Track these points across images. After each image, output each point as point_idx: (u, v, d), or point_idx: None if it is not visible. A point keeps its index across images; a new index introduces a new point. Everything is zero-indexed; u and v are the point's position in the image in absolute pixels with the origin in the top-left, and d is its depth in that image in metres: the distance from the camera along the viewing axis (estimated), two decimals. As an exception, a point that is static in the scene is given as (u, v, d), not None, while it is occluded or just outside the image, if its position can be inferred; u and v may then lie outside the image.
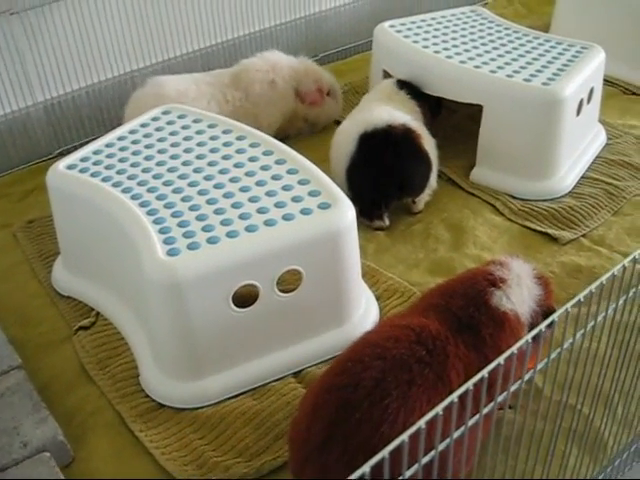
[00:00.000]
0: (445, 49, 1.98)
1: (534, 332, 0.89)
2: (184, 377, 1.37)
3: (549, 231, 1.76)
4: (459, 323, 1.17)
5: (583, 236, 1.76)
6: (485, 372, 0.83)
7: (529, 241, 1.75)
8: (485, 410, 0.88)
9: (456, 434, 0.84)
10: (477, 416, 0.89)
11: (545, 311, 1.27)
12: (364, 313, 1.50)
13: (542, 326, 0.90)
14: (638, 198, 1.89)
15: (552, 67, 1.89)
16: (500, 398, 0.91)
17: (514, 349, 0.86)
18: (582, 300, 0.94)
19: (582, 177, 1.95)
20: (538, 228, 1.77)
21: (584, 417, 1.26)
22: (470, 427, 0.86)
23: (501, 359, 0.85)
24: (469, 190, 1.91)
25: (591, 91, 1.94)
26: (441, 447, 0.82)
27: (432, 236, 1.76)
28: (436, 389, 1.09)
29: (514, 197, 1.87)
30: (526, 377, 0.93)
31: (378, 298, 1.57)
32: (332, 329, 1.45)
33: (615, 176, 1.96)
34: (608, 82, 2.37)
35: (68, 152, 1.86)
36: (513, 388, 0.93)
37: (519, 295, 1.23)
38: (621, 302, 1.05)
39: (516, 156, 1.87)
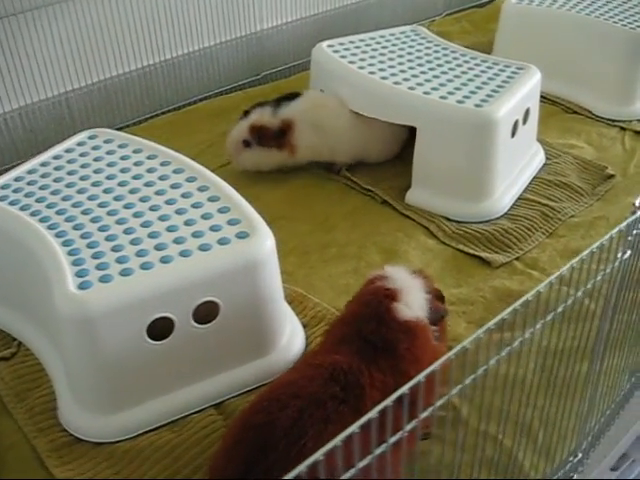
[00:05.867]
0: (381, 70, 1.97)
1: (456, 349, 0.87)
2: (101, 410, 1.34)
3: (482, 254, 1.75)
4: (372, 349, 1.17)
5: (516, 259, 1.75)
6: (387, 402, 0.81)
7: (462, 265, 1.74)
8: (392, 439, 0.86)
9: (361, 463, 0.82)
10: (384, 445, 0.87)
11: (435, 294, 1.34)
12: (288, 342, 1.48)
13: (466, 342, 0.88)
14: (574, 219, 1.89)
15: (487, 88, 1.88)
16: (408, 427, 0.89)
17: (434, 367, 0.86)
18: (505, 318, 0.93)
19: (519, 198, 1.94)
20: (471, 251, 1.76)
21: (506, 448, 1.25)
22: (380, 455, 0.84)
23: (407, 385, 0.84)
24: (404, 212, 1.89)
25: (527, 112, 1.94)
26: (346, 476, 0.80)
27: (364, 260, 1.74)
28: (353, 423, 1.08)
29: (449, 219, 1.86)
30: (440, 402, 0.91)
31: (305, 326, 1.56)
32: (254, 359, 1.42)
33: (551, 197, 1.95)
34: (549, 100, 2.38)
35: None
36: (424, 415, 0.91)
37: (415, 299, 1.26)
38: (539, 326, 1.04)
39: (451, 178, 1.86)
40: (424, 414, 0.91)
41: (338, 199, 1.97)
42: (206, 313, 1.36)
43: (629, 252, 1.07)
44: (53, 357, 1.45)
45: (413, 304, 1.25)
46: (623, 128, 2.29)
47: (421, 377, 0.85)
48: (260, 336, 1.42)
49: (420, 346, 1.19)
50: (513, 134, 1.88)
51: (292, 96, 2.00)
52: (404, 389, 0.84)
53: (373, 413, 0.80)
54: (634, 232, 1.06)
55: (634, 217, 1.03)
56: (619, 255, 1.07)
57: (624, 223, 1.03)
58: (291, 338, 1.49)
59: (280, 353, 1.45)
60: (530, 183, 2.01)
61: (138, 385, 1.33)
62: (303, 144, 1.97)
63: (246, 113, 1.98)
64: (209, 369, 1.39)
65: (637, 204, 1.03)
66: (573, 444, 1.30)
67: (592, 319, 1.19)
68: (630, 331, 1.34)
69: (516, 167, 1.97)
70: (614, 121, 2.31)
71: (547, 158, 2.11)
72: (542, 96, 2.22)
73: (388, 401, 0.81)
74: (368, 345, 1.17)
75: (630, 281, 1.19)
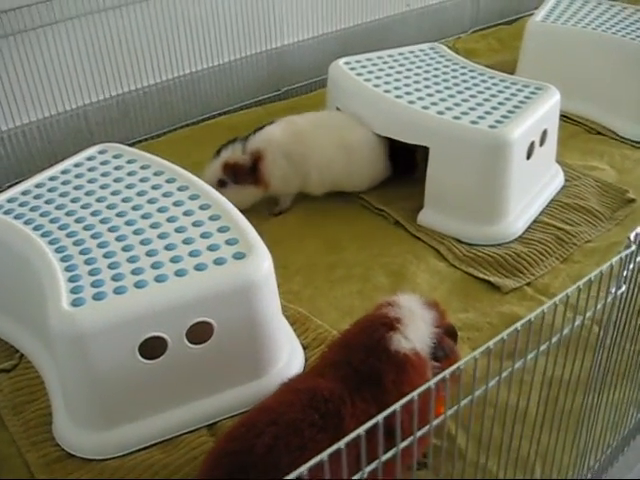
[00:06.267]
0: (396, 88, 1.95)
1: (438, 377, 0.84)
2: (93, 427, 1.34)
3: (491, 279, 1.71)
4: (359, 378, 1.14)
5: (527, 284, 1.71)
6: (362, 429, 0.78)
7: (470, 289, 1.70)
8: (368, 468, 0.83)
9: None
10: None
11: (446, 329, 1.28)
12: (286, 364, 1.46)
13: (447, 372, 0.85)
14: (590, 245, 1.85)
15: (502, 109, 1.85)
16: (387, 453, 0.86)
17: (414, 394, 0.83)
18: (505, 338, 0.90)
19: (534, 221, 1.90)
20: (481, 275, 1.73)
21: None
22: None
23: (397, 406, 0.81)
24: (414, 234, 1.87)
25: (544, 133, 1.90)
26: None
27: (370, 282, 1.72)
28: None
29: (460, 241, 1.83)
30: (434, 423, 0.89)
31: (306, 347, 1.54)
32: (249, 381, 1.41)
33: (568, 221, 1.91)
34: (572, 120, 2.34)
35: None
36: (419, 433, 0.88)
37: (416, 330, 1.21)
38: (543, 347, 1.01)
39: (463, 199, 1.83)
40: (403, 444, 0.89)
41: (351, 219, 1.95)
42: (201, 333, 1.35)
43: (624, 287, 1.03)
44: (51, 371, 1.46)
45: (412, 336, 1.20)
46: (648, 150, 2.24)
47: (397, 406, 0.83)
48: (256, 358, 1.40)
49: (408, 381, 1.14)
50: (529, 156, 1.85)
51: (263, 127, 1.94)
52: (379, 417, 0.81)
53: (342, 442, 0.78)
54: (630, 266, 1.02)
55: (628, 251, 0.99)
56: (612, 290, 1.02)
57: (616, 257, 0.99)
58: (289, 360, 1.47)
59: (277, 375, 1.43)
60: (547, 206, 1.96)
61: (130, 403, 1.33)
62: (274, 175, 1.90)
63: (218, 152, 1.92)
64: (203, 389, 1.38)
65: (632, 238, 0.99)
66: (571, 481, 1.27)
67: (593, 348, 1.15)
68: (634, 363, 1.29)
69: (532, 189, 1.93)
70: (639, 142, 2.26)
71: (566, 180, 2.07)
72: (565, 116, 2.19)
73: (360, 430, 0.79)
74: (355, 373, 1.14)
75: (631, 312, 1.15)
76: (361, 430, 0.77)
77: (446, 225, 1.86)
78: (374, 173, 2.01)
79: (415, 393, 0.83)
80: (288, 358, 1.47)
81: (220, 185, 1.85)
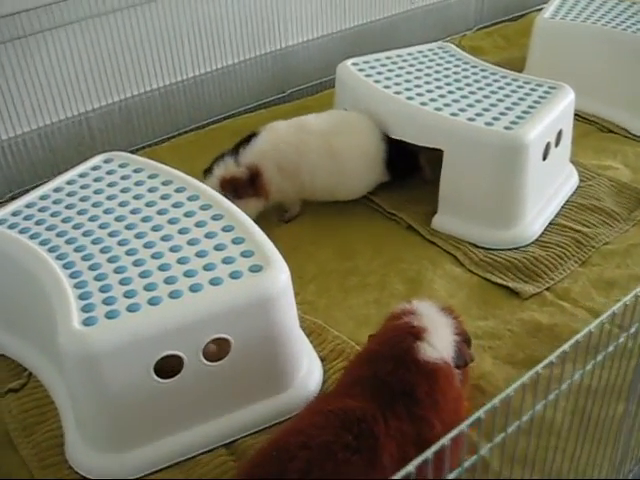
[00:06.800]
0: (407, 89, 1.90)
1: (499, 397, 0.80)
2: (107, 449, 1.29)
3: (510, 285, 1.67)
4: (391, 392, 1.10)
5: (547, 289, 1.67)
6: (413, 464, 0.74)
7: (489, 295, 1.66)
8: None
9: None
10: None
11: (463, 337, 1.26)
12: (305, 378, 1.41)
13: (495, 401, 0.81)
14: (608, 247, 1.80)
15: (517, 109, 1.80)
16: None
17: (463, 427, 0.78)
18: (554, 362, 0.86)
19: (550, 224, 1.86)
20: (499, 281, 1.68)
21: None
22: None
23: (445, 440, 0.77)
24: (429, 238, 1.82)
25: (559, 133, 1.86)
26: None
27: (386, 290, 1.67)
28: (367, 475, 1.02)
29: (477, 246, 1.79)
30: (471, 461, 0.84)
31: (323, 359, 1.49)
32: (268, 397, 1.37)
33: (585, 222, 1.87)
34: (583, 119, 2.29)
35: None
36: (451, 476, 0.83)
37: (441, 339, 1.19)
38: (589, 367, 0.97)
39: (479, 203, 1.79)
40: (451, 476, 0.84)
41: (362, 224, 1.90)
42: (218, 349, 1.31)
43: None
44: (62, 390, 1.41)
45: (439, 344, 1.17)
46: (662, 147, 2.19)
47: (446, 440, 0.78)
48: (274, 373, 1.36)
49: (441, 391, 1.12)
50: (544, 157, 1.80)
51: (249, 138, 1.86)
52: (428, 453, 0.76)
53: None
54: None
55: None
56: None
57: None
58: (308, 374, 1.43)
59: (296, 390, 1.39)
60: (562, 207, 1.92)
61: (146, 424, 1.28)
62: (272, 186, 1.84)
63: (208, 170, 1.84)
64: (220, 408, 1.33)
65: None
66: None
67: (630, 356, 1.10)
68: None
69: (548, 191, 1.88)
70: (652, 140, 2.22)
71: (581, 180, 2.02)
72: (576, 114, 2.14)
73: (410, 467, 0.75)
74: (384, 388, 1.10)
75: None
76: (411, 467, 0.72)
77: (462, 229, 1.81)
78: (366, 181, 1.93)
79: (463, 426, 0.79)
80: (306, 371, 1.43)
81: None
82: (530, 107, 1.82)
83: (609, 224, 1.87)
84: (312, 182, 1.86)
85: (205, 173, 1.85)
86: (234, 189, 1.79)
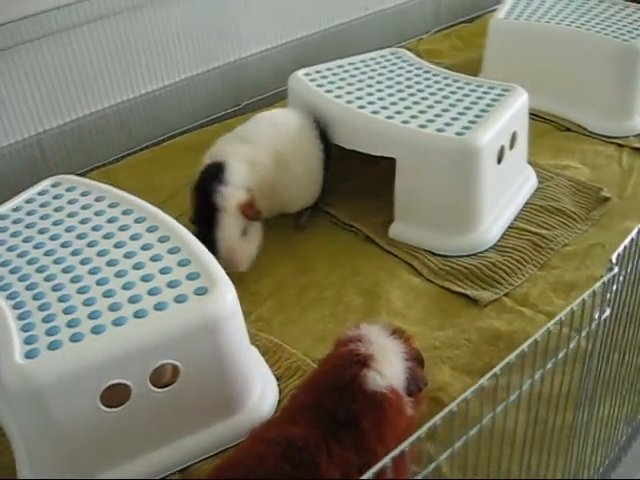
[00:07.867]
0: (358, 98, 1.88)
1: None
2: (58, 482, 1.26)
3: (468, 292, 1.65)
4: (335, 422, 1.07)
5: (505, 295, 1.66)
6: None
7: (447, 304, 1.64)
8: None
9: None
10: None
11: (416, 358, 1.24)
12: (259, 399, 1.39)
13: (437, 418, 0.80)
14: (567, 248, 1.79)
15: (469, 114, 1.79)
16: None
17: (404, 447, 0.78)
18: (498, 373, 0.85)
19: (509, 227, 1.84)
20: (457, 289, 1.67)
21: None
22: None
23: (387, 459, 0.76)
24: (387, 249, 1.80)
25: (514, 136, 1.85)
26: None
27: (343, 304, 1.65)
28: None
29: (434, 254, 1.77)
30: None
31: (279, 378, 1.47)
32: (221, 420, 1.34)
33: (544, 225, 1.86)
34: (540, 118, 2.29)
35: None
36: None
37: (390, 366, 1.15)
38: (537, 376, 0.96)
39: (434, 210, 1.77)
40: None
41: (320, 236, 1.87)
42: (166, 374, 1.29)
43: (608, 311, 0.97)
44: (12, 424, 1.38)
45: (387, 372, 1.14)
46: (620, 145, 2.19)
47: (387, 460, 0.77)
48: (227, 396, 1.33)
49: (389, 421, 1.09)
50: (499, 160, 1.79)
51: (218, 166, 1.69)
52: (369, 474, 0.75)
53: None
54: (613, 288, 0.96)
55: (610, 274, 0.93)
56: (596, 316, 0.96)
57: (598, 283, 0.93)
58: (262, 394, 1.40)
59: (250, 412, 1.36)
60: (521, 210, 1.91)
61: (96, 454, 1.25)
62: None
63: (194, 219, 1.69)
64: (172, 433, 1.31)
65: (614, 260, 0.93)
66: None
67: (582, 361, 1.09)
68: (621, 377, 1.23)
69: (504, 195, 1.87)
70: (610, 137, 2.21)
71: (539, 181, 2.01)
72: (533, 114, 2.14)
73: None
74: (330, 417, 1.07)
75: (616, 336, 1.09)
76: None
77: (418, 237, 1.79)
78: (315, 189, 1.89)
79: (405, 445, 0.78)
80: (261, 391, 1.41)
81: (244, 234, 1.67)
82: (482, 111, 1.80)
83: (568, 225, 1.86)
84: (263, 198, 1.76)
85: (194, 221, 1.70)
86: (255, 212, 1.68)
